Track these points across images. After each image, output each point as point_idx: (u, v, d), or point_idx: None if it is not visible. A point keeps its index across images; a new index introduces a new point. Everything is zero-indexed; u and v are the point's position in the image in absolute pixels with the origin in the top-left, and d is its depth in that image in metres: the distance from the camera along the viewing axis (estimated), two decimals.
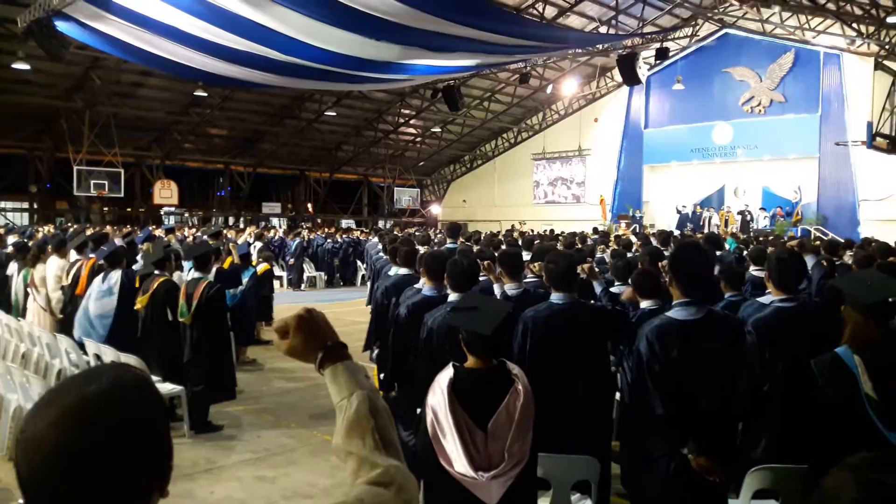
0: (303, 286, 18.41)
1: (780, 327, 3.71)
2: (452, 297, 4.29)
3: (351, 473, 1.29)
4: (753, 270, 6.44)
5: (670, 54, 22.94)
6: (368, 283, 11.17)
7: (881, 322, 2.78)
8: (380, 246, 11.03)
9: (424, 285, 4.79)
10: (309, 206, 31.85)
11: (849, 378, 2.74)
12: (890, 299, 2.82)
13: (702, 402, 3.18)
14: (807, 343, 3.39)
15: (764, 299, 4.55)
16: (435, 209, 33.93)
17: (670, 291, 3.45)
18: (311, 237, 20.38)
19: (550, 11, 20.32)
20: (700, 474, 3.13)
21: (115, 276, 6.91)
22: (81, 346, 6.49)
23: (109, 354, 5.99)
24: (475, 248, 9.40)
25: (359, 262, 19.69)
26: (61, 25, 11.50)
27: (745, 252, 9.19)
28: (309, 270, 19.03)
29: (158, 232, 15.80)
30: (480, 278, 5.30)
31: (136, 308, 6.52)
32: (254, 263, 10.02)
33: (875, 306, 2.76)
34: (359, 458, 1.28)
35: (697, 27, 24.05)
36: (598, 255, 9.46)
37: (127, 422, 0.97)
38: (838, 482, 0.80)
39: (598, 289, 4.76)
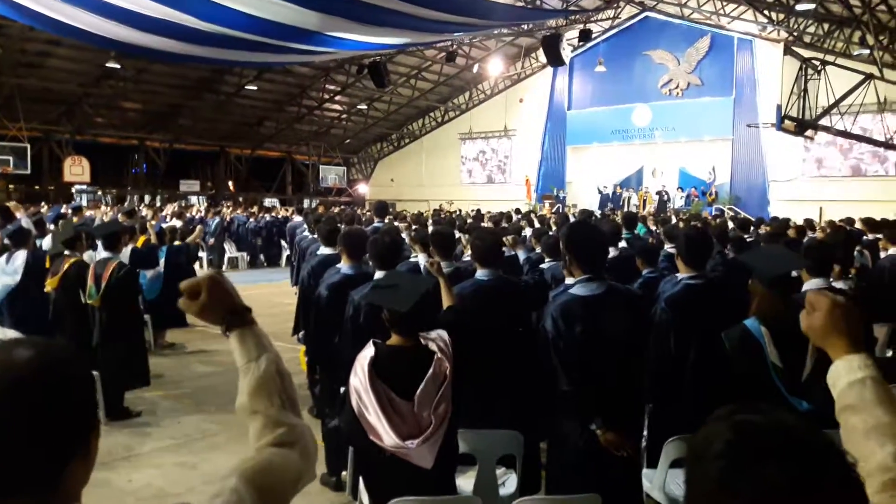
0: (224, 267, 17.93)
1: (690, 302, 3.80)
2: (378, 274, 4.26)
3: (256, 432, 1.32)
4: (668, 248, 6.67)
5: (593, 36, 23.33)
6: (294, 263, 11.01)
7: (785, 294, 2.93)
8: (305, 225, 10.85)
9: (343, 264, 4.73)
10: (230, 183, 30.95)
11: (756, 348, 2.89)
12: (793, 273, 2.97)
13: (607, 378, 3.22)
14: (716, 317, 3.52)
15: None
16: (362, 188, 33.58)
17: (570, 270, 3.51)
18: (233, 216, 19.83)
19: None
20: (609, 450, 3.17)
21: (21, 256, 6.54)
22: None
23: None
24: (402, 227, 9.39)
25: (283, 243, 19.29)
26: None
27: (657, 231, 9.61)
28: (230, 251, 18.53)
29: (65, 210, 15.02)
30: (413, 259, 5.30)
31: (45, 290, 6.20)
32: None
33: (778, 280, 2.90)
34: (265, 417, 1.32)
35: (619, 10, 24.54)
36: (522, 234, 9.64)
37: (54, 382, 0.99)
38: (710, 430, 0.86)
39: (521, 256, 4.87)
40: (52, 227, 9.47)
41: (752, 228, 9.76)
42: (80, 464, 1.02)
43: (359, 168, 34.60)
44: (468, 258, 5.39)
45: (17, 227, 7.10)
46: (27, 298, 6.47)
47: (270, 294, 12.08)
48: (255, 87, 25.00)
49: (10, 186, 25.18)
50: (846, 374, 1.28)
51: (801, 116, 15.59)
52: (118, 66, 20.55)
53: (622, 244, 7.09)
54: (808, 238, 8.76)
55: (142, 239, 8.68)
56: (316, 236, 7.71)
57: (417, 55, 24.84)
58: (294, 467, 1.28)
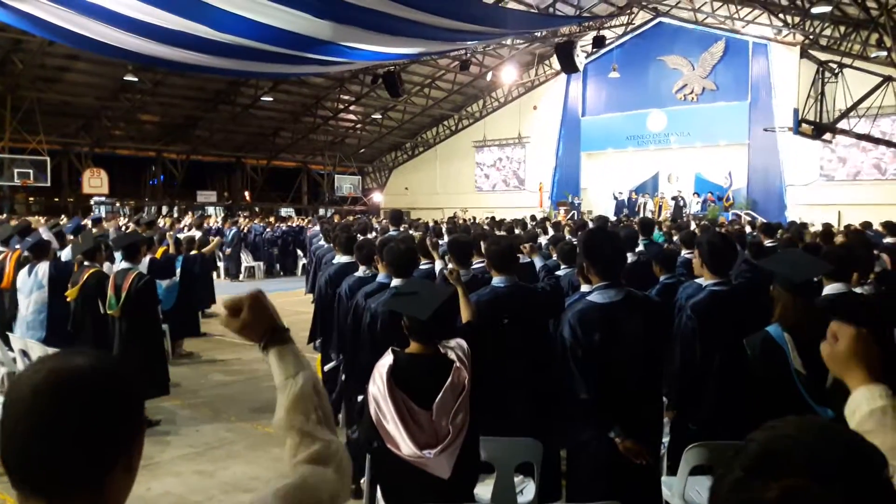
0: (241, 276, 18.03)
1: (715, 309, 3.75)
2: (395, 282, 4.28)
3: (291, 448, 1.35)
4: (685, 254, 6.61)
5: (606, 42, 23.29)
6: (310, 272, 11.08)
7: (809, 300, 2.89)
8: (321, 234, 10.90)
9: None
10: (246, 194, 31.16)
11: (779, 355, 2.85)
12: (815, 278, 2.93)
13: (626, 385, 3.20)
14: (741, 324, 3.47)
15: (702, 281, 4.67)
16: (377, 197, 33.67)
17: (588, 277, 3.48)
18: (250, 225, 19.94)
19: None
20: (628, 457, 3.14)
21: (43, 268, 6.62)
22: (6, 341, 6.20)
23: (37, 350, 5.72)
24: (416, 235, 9.39)
25: (299, 252, 19.38)
26: None
27: (674, 238, 9.54)
28: (247, 260, 18.62)
29: (86, 222, 15.17)
30: (426, 266, 5.30)
31: (67, 300, 6.26)
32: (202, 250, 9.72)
33: (802, 285, 2.86)
34: (301, 433, 1.35)
35: (632, 15, 24.50)
36: (538, 241, 9.62)
37: (103, 391, 1.04)
38: (749, 437, 0.85)
39: (538, 264, 4.85)
40: (71, 237, 9.56)
41: (778, 233, 9.69)
42: (122, 474, 1.08)
43: (373, 177, 34.71)
44: (479, 264, 5.38)
45: (38, 239, 7.16)
46: (51, 309, 6.54)
47: (287, 303, 12.09)
48: (270, 99, 25.19)
49: (31, 199, 25.53)
50: (867, 402, 1.30)
51: (818, 120, 15.46)
52: (136, 80, 20.79)
53: (639, 249, 7.05)
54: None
55: (161, 250, 8.75)
56: (331, 245, 7.73)
57: (431, 64, 24.94)
58: (329, 486, 1.31)
